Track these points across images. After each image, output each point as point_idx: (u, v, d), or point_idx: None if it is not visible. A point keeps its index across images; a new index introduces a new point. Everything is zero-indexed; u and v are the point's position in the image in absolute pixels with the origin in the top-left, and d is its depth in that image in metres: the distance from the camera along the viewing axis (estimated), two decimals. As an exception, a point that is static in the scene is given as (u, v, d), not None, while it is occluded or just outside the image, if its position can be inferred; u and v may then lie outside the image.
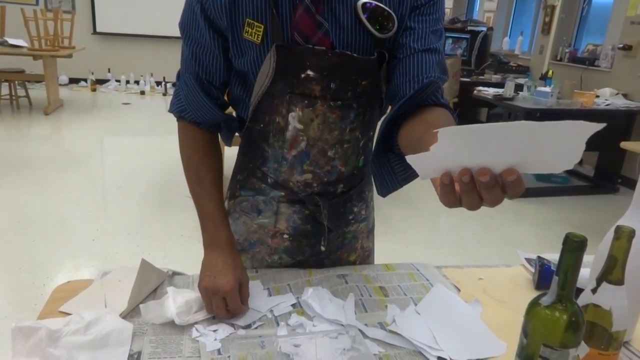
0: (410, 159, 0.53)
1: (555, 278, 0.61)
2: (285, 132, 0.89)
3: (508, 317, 0.92)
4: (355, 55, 0.84)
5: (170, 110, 0.98)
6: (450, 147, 0.49)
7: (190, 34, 0.88)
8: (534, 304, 0.63)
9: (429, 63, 0.85)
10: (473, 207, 0.52)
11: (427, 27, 0.86)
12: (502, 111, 4.51)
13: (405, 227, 3.45)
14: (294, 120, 0.88)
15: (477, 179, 0.50)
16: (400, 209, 3.69)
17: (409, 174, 0.89)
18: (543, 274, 1.03)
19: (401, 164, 0.89)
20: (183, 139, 0.97)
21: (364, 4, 0.82)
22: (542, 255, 1.09)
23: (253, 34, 0.83)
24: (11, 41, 5.52)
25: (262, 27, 0.82)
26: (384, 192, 0.93)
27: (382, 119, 0.87)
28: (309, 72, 0.83)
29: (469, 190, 0.51)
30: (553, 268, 1.04)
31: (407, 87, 0.84)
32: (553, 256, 1.10)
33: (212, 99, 0.93)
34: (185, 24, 0.88)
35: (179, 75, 0.95)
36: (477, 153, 0.49)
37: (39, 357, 0.70)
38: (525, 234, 3.53)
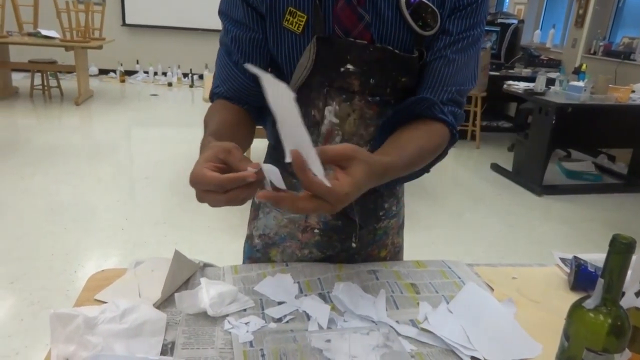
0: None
1: (600, 280, 0.59)
2: (320, 126, 0.88)
3: (543, 318, 0.90)
4: (397, 51, 0.82)
5: (210, 94, 0.94)
6: None
7: (230, 18, 0.87)
8: (576, 307, 0.61)
9: (449, 73, 0.84)
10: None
11: (463, 30, 0.84)
12: (532, 106, 4.41)
13: (431, 223, 3.42)
14: (330, 114, 0.87)
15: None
16: (425, 204, 3.65)
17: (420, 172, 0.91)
18: (579, 275, 1.00)
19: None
20: (207, 112, 0.88)
21: None
22: (579, 256, 1.06)
23: (294, 24, 0.81)
24: (44, 32, 5.66)
25: (305, 17, 0.81)
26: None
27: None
28: (349, 66, 0.82)
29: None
30: (590, 269, 1.01)
31: (425, 94, 0.86)
32: (589, 256, 1.07)
33: (242, 72, 0.88)
34: (224, 9, 0.88)
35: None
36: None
37: (77, 344, 0.72)
38: (554, 232, 3.45)
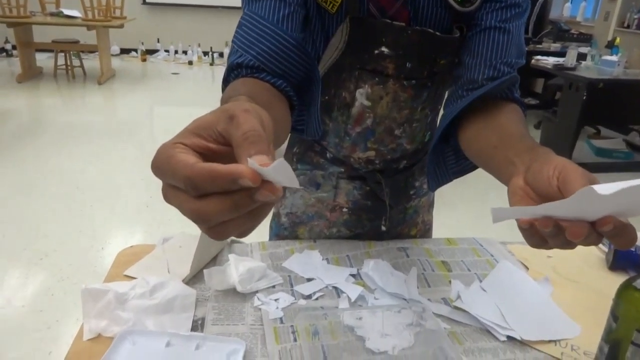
0: (494, 211, 0.45)
1: (653, 259, 0.55)
2: (350, 108, 0.84)
3: (581, 298, 0.87)
4: (437, 33, 0.75)
5: (223, 78, 0.68)
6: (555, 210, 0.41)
7: None
8: (627, 287, 0.58)
9: (505, 44, 0.73)
10: (564, 247, 0.44)
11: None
12: (561, 82, 4.27)
13: (455, 201, 3.37)
14: (361, 97, 0.82)
15: (565, 230, 0.41)
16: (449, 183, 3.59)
17: (462, 167, 0.82)
18: (619, 254, 0.96)
19: (455, 156, 0.82)
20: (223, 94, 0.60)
21: None
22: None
23: (328, 2, 0.74)
24: (66, 12, 5.68)
25: None
26: (434, 186, 0.88)
27: (445, 110, 0.78)
28: (384, 49, 0.76)
29: (554, 234, 0.42)
30: (631, 248, 0.97)
31: (478, 71, 0.74)
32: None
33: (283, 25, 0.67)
34: None
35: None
36: (577, 212, 0.40)
37: (108, 319, 0.72)
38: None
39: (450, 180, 0.85)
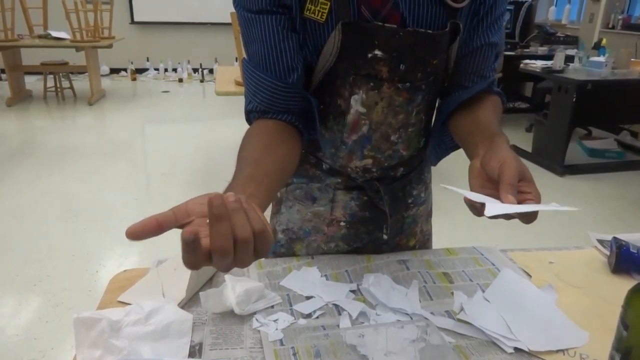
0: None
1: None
2: (346, 116, 0.83)
3: (586, 304, 0.85)
4: (429, 31, 0.76)
5: (245, 117, 0.83)
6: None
7: (253, 15, 0.75)
8: (635, 293, 0.56)
9: (492, 55, 0.85)
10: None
11: (496, 12, 0.81)
12: (550, 84, 4.29)
13: (450, 208, 3.34)
14: (356, 104, 0.81)
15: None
16: (442, 189, 3.59)
17: (456, 144, 0.91)
18: (621, 257, 0.95)
19: (451, 137, 0.91)
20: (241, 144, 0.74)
21: None
22: (618, 236, 1.00)
23: (316, 12, 0.74)
24: (54, 34, 5.67)
25: (328, 4, 0.73)
26: (435, 160, 0.98)
27: (440, 104, 0.90)
28: (377, 52, 0.76)
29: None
30: (632, 250, 0.95)
31: (467, 79, 0.85)
32: (630, 236, 1.02)
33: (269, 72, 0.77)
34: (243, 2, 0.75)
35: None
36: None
37: (102, 348, 0.69)
38: (580, 212, 3.36)
39: (448, 153, 0.95)
